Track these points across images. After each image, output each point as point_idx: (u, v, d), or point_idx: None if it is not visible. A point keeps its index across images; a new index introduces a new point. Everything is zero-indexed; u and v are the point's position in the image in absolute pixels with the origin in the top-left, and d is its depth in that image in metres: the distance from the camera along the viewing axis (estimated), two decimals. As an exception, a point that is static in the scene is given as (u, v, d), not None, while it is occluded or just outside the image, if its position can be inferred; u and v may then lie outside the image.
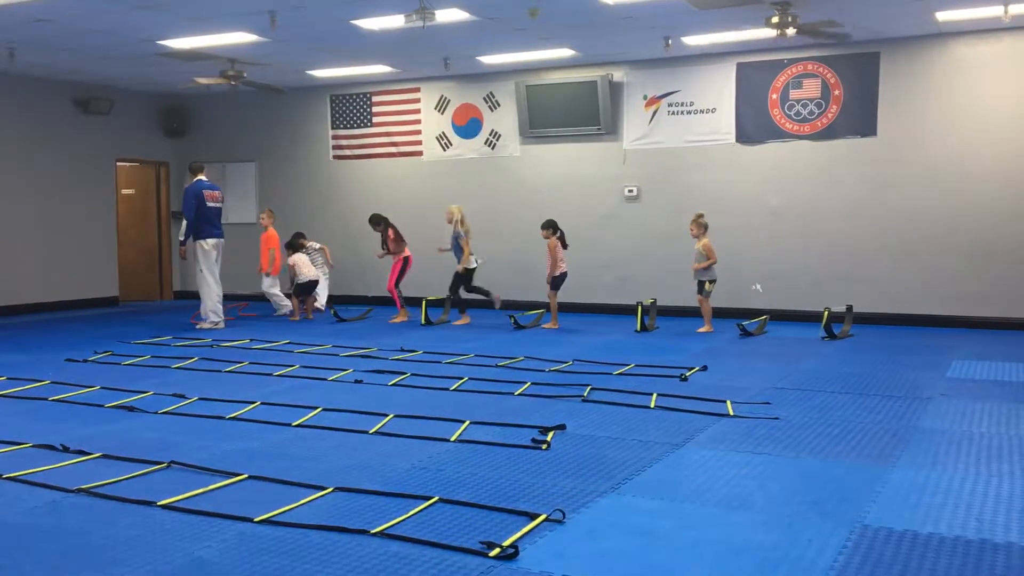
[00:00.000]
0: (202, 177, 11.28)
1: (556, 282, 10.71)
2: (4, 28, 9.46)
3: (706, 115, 11.41)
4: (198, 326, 11.12)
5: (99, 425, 5.91)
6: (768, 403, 6.34)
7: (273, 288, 12.39)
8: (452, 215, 11.11)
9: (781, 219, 11.12)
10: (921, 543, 3.67)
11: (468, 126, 12.85)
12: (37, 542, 3.80)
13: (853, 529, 3.83)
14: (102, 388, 7.09)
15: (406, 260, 11.72)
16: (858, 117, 10.67)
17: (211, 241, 11.15)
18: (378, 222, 11.80)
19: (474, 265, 11.10)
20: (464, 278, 11.18)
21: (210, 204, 11.19)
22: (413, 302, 12.12)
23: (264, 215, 12.34)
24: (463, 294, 11.33)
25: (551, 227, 10.69)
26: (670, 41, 10.36)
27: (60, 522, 4.04)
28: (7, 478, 4.66)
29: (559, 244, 10.66)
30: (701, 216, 10.21)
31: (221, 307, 11.23)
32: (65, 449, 5.21)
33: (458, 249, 11.11)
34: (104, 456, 5.08)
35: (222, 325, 11.14)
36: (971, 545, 3.65)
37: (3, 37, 9.94)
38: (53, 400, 6.71)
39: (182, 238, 11.27)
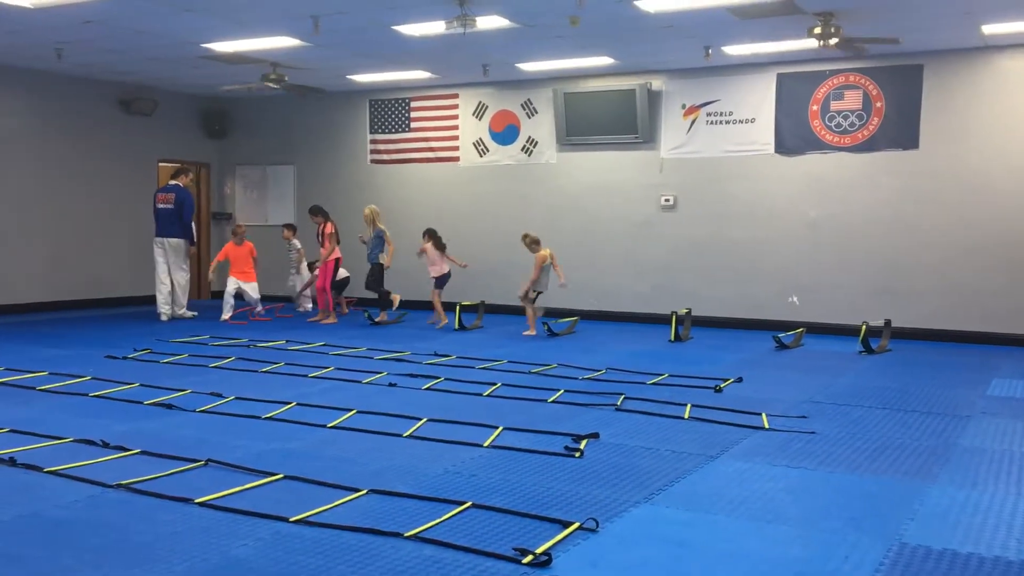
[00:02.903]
0: (170, 181, 12.24)
1: (440, 281, 11.55)
2: (53, 29, 9.65)
3: (745, 125, 11.35)
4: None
5: (138, 422, 5.99)
6: (804, 417, 6.29)
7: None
8: (368, 216, 11.76)
9: (819, 231, 11.02)
10: (960, 563, 3.61)
11: (505, 132, 12.88)
12: (77, 536, 3.86)
13: (891, 546, 3.78)
14: (141, 385, 7.20)
15: (337, 261, 12.07)
16: (900, 130, 10.55)
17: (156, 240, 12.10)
18: (316, 213, 12.19)
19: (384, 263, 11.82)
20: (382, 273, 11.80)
21: (159, 206, 12.07)
22: (447, 307, 12.16)
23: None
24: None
25: (429, 234, 11.62)
26: (710, 50, 10.33)
27: (100, 517, 4.10)
28: (49, 472, 4.74)
29: (431, 249, 11.51)
30: (527, 235, 10.88)
31: (165, 300, 11.98)
32: (105, 445, 5.30)
33: (378, 244, 11.70)
34: (143, 452, 5.15)
35: (163, 318, 11.93)
36: (1012, 566, 3.59)
37: (52, 38, 10.13)
38: (93, 396, 6.82)
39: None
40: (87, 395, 6.85)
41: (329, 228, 12.00)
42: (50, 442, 5.37)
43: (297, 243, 13.11)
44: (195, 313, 12.38)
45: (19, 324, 11.30)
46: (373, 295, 11.96)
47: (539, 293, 10.88)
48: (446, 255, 11.59)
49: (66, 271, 12.88)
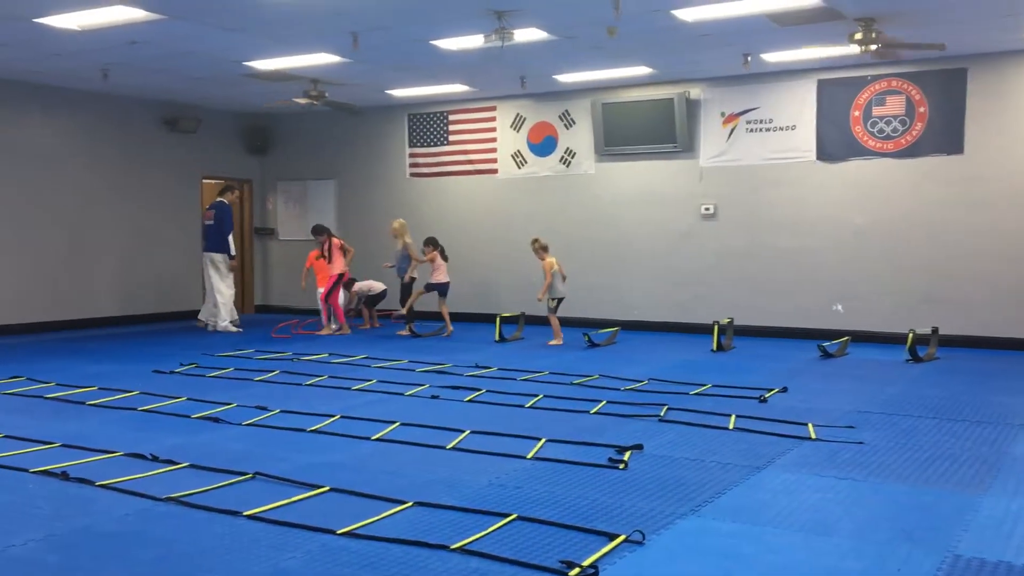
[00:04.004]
0: (217, 198, 12.70)
1: (441, 289, 11.79)
2: (100, 50, 9.86)
3: (785, 132, 11.25)
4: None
5: (186, 435, 6.08)
6: (852, 427, 6.20)
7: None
8: (399, 230, 12.05)
9: (863, 238, 10.88)
10: (1016, 575, 3.54)
11: (543, 144, 12.90)
12: (128, 549, 3.92)
13: (944, 558, 3.72)
14: (188, 399, 7.30)
15: (341, 275, 12.20)
16: (944, 135, 10.40)
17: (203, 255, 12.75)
18: (320, 232, 12.33)
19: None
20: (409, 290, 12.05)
21: (205, 222, 12.65)
22: (487, 319, 12.20)
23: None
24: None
25: (431, 244, 11.87)
26: (749, 58, 10.27)
27: (150, 530, 4.16)
28: (100, 485, 4.82)
29: (438, 256, 11.78)
30: (536, 240, 11.02)
31: (207, 312, 12.61)
32: (155, 458, 5.38)
33: (405, 261, 11.88)
34: (192, 466, 5.22)
35: (204, 327, 12.64)
36: (1071, 579, 3.51)
37: (99, 59, 10.35)
38: (142, 410, 6.93)
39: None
40: (136, 409, 6.96)
41: (336, 243, 12.21)
42: (101, 456, 5.46)
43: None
44: (240, 329, 12.51)
45: (68, 340, 11.51)
46: (433, 311, 12.10)
47: (559, 301, 10.91)
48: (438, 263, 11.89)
49: (114, 287, 13.11)
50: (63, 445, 5.73)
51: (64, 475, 5.01)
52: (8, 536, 4.05)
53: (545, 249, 10.96)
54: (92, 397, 7.44)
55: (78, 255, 12.64)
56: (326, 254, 12.19)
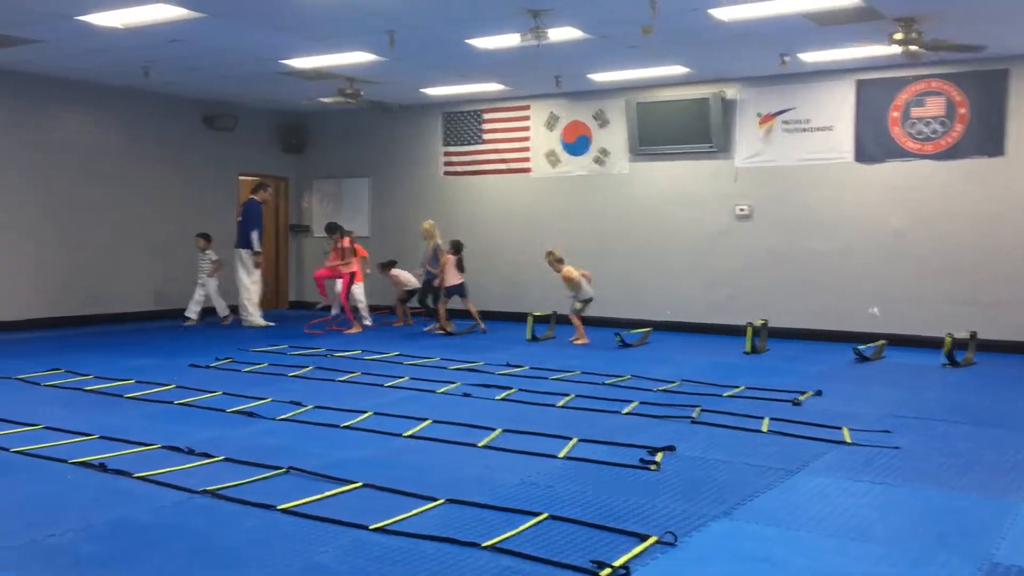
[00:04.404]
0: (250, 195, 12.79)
1: (450, 291, 11.87)
2: (141, 48, 10.00)
3: (823, 133, 11.14)
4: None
5: (221, 429, 6.15)
6: (887, 431, 6.13)
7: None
8: (428, 232, 12.14)
9: (901, 240, 10.75)
10: (1057, 585, 3.48)
11: (577, 143, 12.89)
12: (164, 540, 3.97)
13: (981, 566, 3.67)
14: (224, 394, 7.38)
15: (352, 275, 12.26)
16: (985, 136, 10.24)
17: None
18: (333, 231, 12.45)
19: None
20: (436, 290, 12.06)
21: (238, 219, 12.81)
22: (519, 318, 12.21)
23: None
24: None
25: (455, 248, 11.98)
26: (786, 58, 10.18)
27: (186, 522, 4.22)
28: (137, 477, 4.90)
29: (451, 260, 11.86)
30: (550, 253, 11.10)
31: (240, 305, 12.68)
32: (191, 452, 5.44)
33: (435, 263, 11.96)
34: (227, 459, 5.28)
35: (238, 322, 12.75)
36: (1112, 590, 3.45)
37: (140, 56, 10.50)
38: (178, 404, 7.02)
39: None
40: (172, 403, 7.05)
41: (346, 242, 12.30)
42: (138, 448, 5.55)
43: (212, 254, 12.78)
44: (269, 323, 12.63)
45: (105, 334, 11.69)
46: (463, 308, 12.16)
47: (587, 302, 10.94)
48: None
49: (151, 282, 13.30)
50: (101, 437, 5.83)
51: (102, 467, 5.09)
52: (47, 526, 4.13)
53: (560, 261, 11.00)
54: (130, 390, 7.56)
55: (116, 250, 12.83)
56: (339, 252, 12.29)
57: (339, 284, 12.48)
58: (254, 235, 12.45)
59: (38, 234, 11.92)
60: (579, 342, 10.81)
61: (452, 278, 11.89)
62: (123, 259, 12.93)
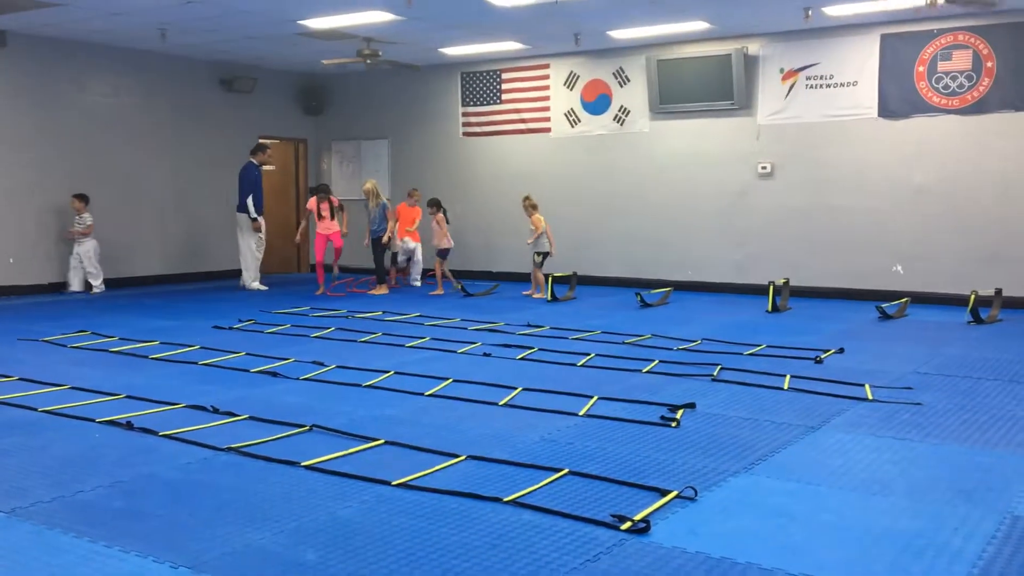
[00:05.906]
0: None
1: (444, 253, 12.05)
2: (157, 10, 9.97)
3: (847, 88, 10.98)
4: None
5: (245, 389, 6.21)
6: (910, 388, 6.10)
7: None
8: (371, 191, 12.13)
9: (925, 197, 10.61)
10: (1079, 538, 3.47)
11: (597, 102, 12.77)
12: (192, 495, 4.04)
13: (1003, 520, 3.66)
14: (247, 354, 7.45)
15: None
16: (1012, 90, 10.05)
17: None
18: (316, 191, 12.55)
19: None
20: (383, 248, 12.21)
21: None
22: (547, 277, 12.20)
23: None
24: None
25: (435, 205, 12.12)
26: (810, 12, 10.01)
27: (212, 478, 4.28)
28: (164, 435, 4.97)
29: (444, 220, 12.02)
30: (527, 198, 11.34)
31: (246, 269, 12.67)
32: (215, 411, 5.51)
33: (382, 221, 12.04)
34: (251, 418, 5.34)
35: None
36: None
37: (156, 18, 10.47)
38: (203, 364, 7.09)
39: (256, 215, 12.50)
40: (197, 363, 7.12)
41: (335, 202, 12.45)
42: (163, 407, 5.62)
43: (88, 217, 11.89)
44: (263, 287, 12.55)
45: (130, 296, 11.80)
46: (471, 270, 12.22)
47: (545, 256, 11.22)
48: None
49: (172, 245, 13.39)
50: (127, 396, 5.91)
51: (128, 425, 5.17)
52: (77, 482, 4.20)
53: (535, 207, 11.30)
54: (155, 351, 7.64)
55: (136, 213, 12.91)
56: (325, 214, 12.27)
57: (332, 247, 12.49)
58: (249, 200, 12.26)
59: (54, 198, 11.98)
60: (536, 295, 11.22)
61: (446, 240, 12.02)
62: (143, 222, 13.01)
